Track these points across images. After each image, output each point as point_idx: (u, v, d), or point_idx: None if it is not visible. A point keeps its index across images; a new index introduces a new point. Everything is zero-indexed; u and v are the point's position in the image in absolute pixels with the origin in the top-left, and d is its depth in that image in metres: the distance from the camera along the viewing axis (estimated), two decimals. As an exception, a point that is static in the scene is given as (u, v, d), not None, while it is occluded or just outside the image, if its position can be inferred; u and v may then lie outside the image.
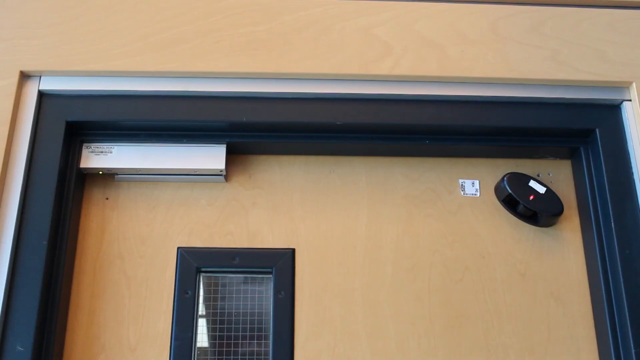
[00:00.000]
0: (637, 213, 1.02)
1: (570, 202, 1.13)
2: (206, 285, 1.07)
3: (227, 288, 1.08)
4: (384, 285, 1.07)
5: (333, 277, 1.07)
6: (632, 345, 0.96)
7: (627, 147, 1.06)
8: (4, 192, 0.97)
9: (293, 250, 1.08)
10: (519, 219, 1.11)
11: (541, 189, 1.09)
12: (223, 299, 1.07)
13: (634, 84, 1.07)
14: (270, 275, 1.07)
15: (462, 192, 1.13)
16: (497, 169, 1.15)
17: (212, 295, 1.07)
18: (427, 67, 1.06)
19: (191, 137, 1.07)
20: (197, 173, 1.08)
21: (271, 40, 1.06)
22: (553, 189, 1.12)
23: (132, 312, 1.03)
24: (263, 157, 1.14)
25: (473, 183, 1.15)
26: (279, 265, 1.07)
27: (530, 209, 1.08)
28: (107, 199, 1.09)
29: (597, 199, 1.06)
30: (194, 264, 1.06)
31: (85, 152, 1.06)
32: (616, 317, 1.00)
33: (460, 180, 1.14)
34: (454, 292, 1.07)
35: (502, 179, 1.11)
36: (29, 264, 0.94)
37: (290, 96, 1.06)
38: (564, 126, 1.08)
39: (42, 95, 1.04)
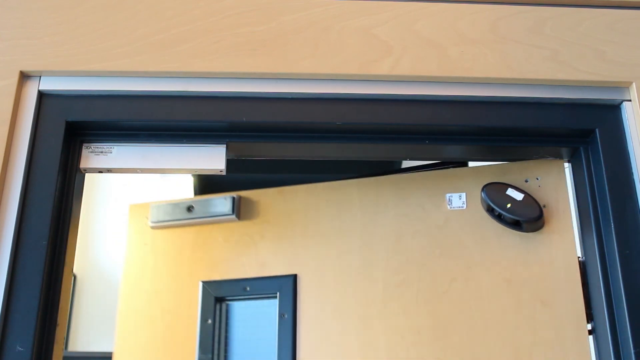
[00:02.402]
0: (637, 213, 1.02)
1: (557, 205, 1.13)
2: (223, 312, 1.17)
3: (240, 313, 1.18)
4: (375, 301, 1.09)
5: (330, 297, 1.09)
6: (631, 345, 0.96)
7: (627, 147, 1.06)
8: (4, 192, 0.97)
9: (295, 276, 1.14)
10: (506, 226, 1.12)
11: (518, 196, 1.11)
12: (236, 323, 1.17)
13: (634, 84, 1.07)
14: (276, 300, 1.13)
15: (448, 206, 1.14)
16: (484, 179, 1.16)
17: (227, 321, 1.17)
18: (427, 67, 1.06)
19: (191, 137, 1.07)
20: (198, 173, 1.08)
21: (271, 40, 1.06)
22: (541, 193, 1.12)
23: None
24: (270, 192, 1.17)
25: (460, 196, 1.16)
26: (283, 290, 1.13)
27: (509, 216, 1.09)
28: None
29: (597, 199, 1.06)
30: (213, 295, 1.14)
31: (85, 152, 1.06)
32: (615, 317, 0.99)
33: (448, 195, 1.15)
34: (441, 303, 1.08)
35: (482, 189, 1.12)
36: (29, 264, 0.94)
37: (290, 96, 1.06)
38: (564, 126, 1.08)
39: (42, 95, 1.04)
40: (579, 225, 1.11)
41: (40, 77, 1.04)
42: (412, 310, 1.08)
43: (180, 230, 1.25)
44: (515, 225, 1.12)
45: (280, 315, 1.12)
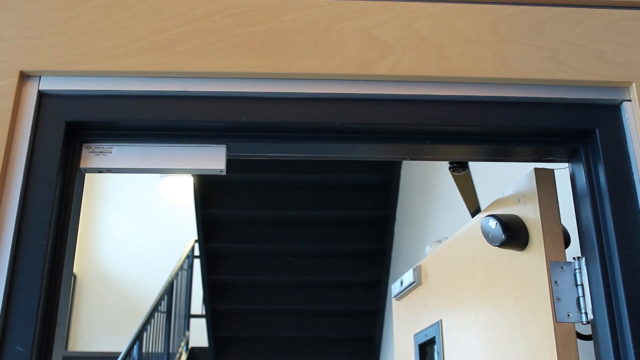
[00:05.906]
0: (637, 213, 1.02)
1: (533, 217, 1.19)
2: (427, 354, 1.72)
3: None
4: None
5: (460, 331, 1.33)
6: (631, 345, 0.96)
7: (627, 147, 1.06)
8: (4, 192, 0.97)
9: (440, 321, 1.58)
10: (515, 249, 1.22)
11: (494, 224, 1.21)
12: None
13: (634, 84, 1.07)
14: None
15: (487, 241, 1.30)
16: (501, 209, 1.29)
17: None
18: (426, 67, 1.06)
19: (191, 137, 1.07)
20: (198, 173, 1.08)
21: (271, 40, 1.06)
22: (524, 209, 1.20)
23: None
24: (431, 260, 1.61)
25: None
26: (436, 333, 1.59)
27: (491, 245, 1.23)
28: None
29: (597, 199, 1.06)
30: (417, 343, 1.74)
31: (85, 152, 1.06)
32: (616, 317, 0.99)
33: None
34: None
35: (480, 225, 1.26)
36: (29, 264, 0.94)
37: (290, 96, 1.06)
38: (564, 126, 1.08)
39: (42, 95, 1.04)
40: (578, 226, 1.11)
41: (40, 77, 1.04)
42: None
43: (404, 299, 1.83)
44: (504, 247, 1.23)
45: (437, 353, 1.58)
